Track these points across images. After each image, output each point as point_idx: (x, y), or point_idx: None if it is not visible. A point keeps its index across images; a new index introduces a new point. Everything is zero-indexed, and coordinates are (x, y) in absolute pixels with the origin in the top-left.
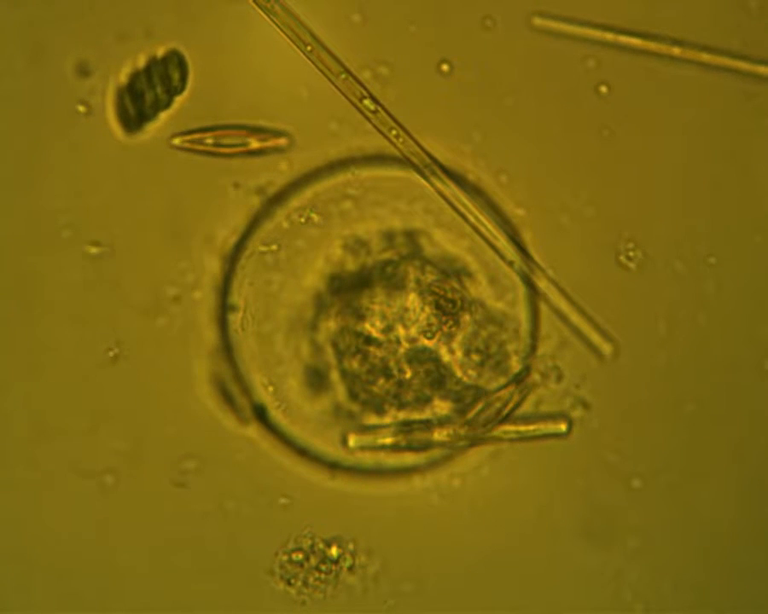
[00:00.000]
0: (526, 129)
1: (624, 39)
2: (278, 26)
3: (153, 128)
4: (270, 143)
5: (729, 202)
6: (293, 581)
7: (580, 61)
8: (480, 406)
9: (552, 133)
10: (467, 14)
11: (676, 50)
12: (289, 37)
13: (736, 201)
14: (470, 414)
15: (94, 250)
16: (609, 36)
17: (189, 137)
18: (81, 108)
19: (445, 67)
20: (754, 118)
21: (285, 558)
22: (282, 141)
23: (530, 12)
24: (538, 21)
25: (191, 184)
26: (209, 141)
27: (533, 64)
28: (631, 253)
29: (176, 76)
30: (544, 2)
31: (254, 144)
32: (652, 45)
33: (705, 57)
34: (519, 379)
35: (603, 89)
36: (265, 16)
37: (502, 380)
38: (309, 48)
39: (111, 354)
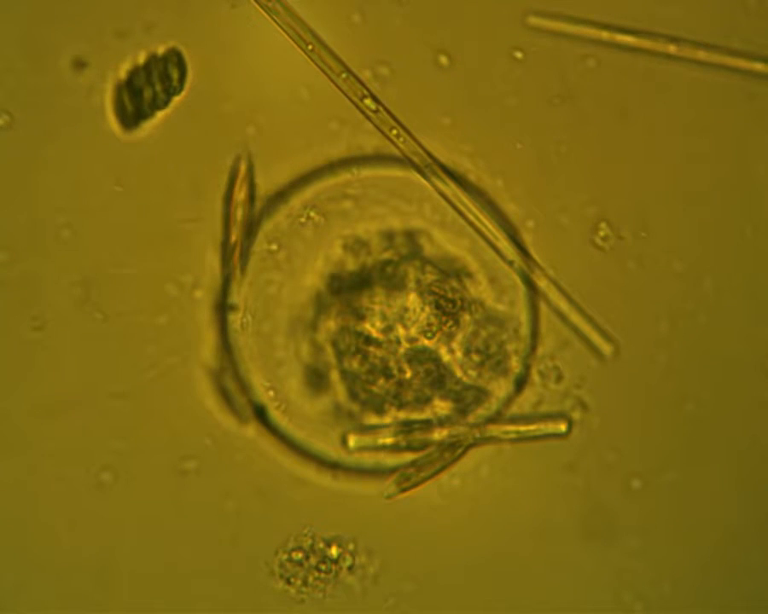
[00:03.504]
0: (525, 128)
1: (620, 38)
2: (279, 25)
3: (149, 125)
4: (244, 175)
5: (729, 202)
6: (292, 580)
7: (580, 60)
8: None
9: (551, 133)
10: (465, 13)
11: (672, 48)
12: (290, 35)
13: (736, 201)
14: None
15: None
16: (605, 34)
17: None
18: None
19: (443, 60)
20: (754, 118)
21: (285, 556)
22: (243, 167)
23: (525, 10)
24: (533, 20)
25: (190, 183)
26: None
27: (533, 63)
28: (603, 233)
29: (175, 75)
30: (538, 1)
31: (242, 194)
32: (647, 43)
33: (701, 55)
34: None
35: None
36: (266, 15)
37: (502, 381)
38: (310, 47)
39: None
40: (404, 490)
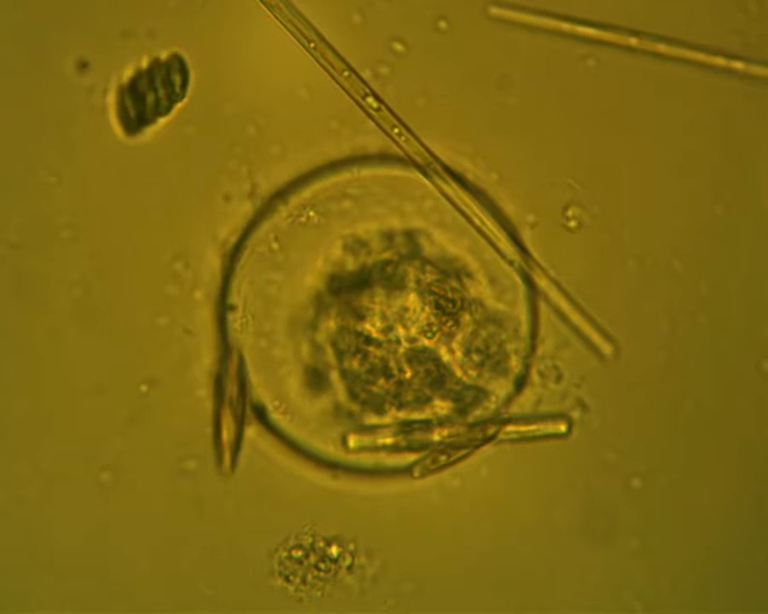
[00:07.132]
0: (524, 129)
1: (581, 30)
2: (281, 23)
3: (151, 131)
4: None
5: (728, 202)
6: (291, 577)
7: (580, 60)
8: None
9: (550, 133)
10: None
11: (633, 41)
12: (292, 33)
13: (736, 201)
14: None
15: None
16: (566, 26)
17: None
18: None
19: (398, 47)
20: (754, 118)
21: (285, 554)
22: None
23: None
24: (494, 11)
25: (191, 183)
26: None
27: (532, 63)
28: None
29: (177, 81)
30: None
31: (234, 390)
32: (608, 35)
33: (662, 48)
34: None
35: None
36: (269, 12)
37: (502, 380)
38: (312, 45)
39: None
40: (433, 471)
